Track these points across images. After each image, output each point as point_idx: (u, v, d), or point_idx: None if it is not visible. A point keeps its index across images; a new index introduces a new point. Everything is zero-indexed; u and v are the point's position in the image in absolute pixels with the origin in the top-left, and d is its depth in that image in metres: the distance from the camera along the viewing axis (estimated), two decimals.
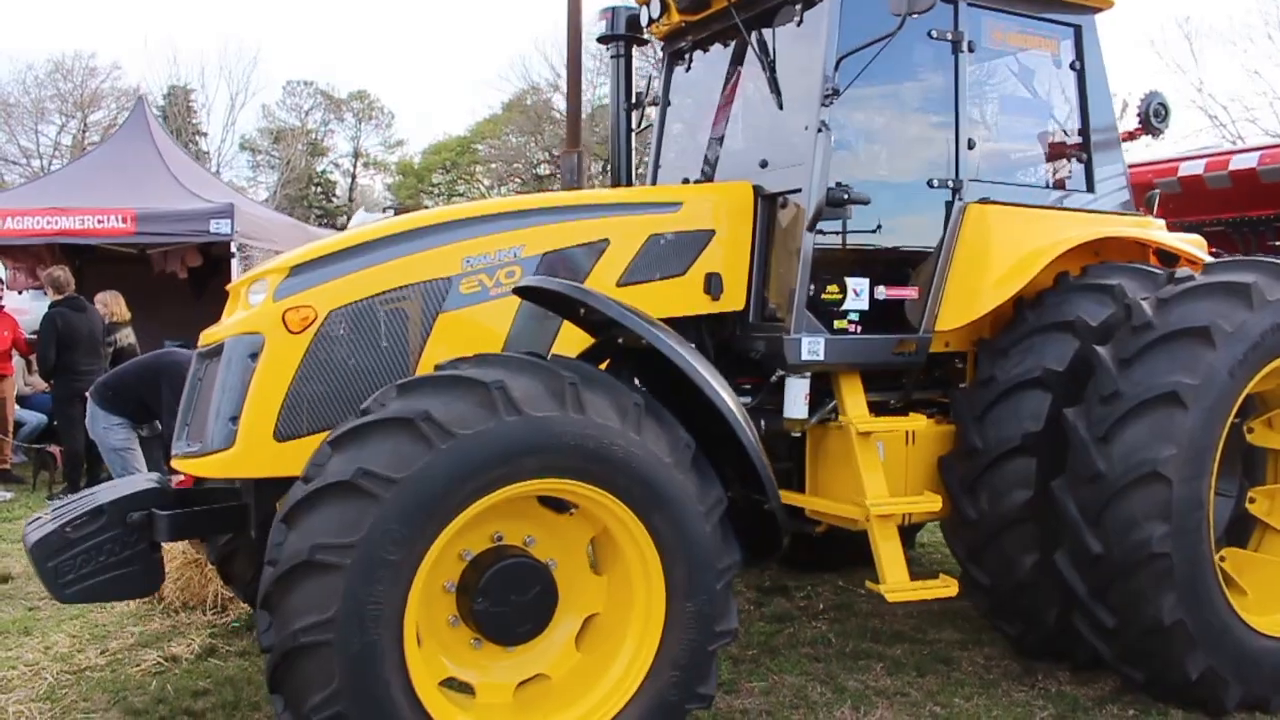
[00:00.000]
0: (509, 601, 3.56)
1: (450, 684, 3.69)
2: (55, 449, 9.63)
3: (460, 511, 3.31)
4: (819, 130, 4.57)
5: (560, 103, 43.92)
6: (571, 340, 4.44)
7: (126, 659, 5.06)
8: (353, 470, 3.19)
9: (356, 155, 53.75)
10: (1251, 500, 5.13)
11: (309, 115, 51.49)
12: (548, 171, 45.23)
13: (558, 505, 3.81)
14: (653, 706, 3.64)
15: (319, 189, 50.67)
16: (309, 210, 44.54)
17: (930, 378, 5.33)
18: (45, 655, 5.11)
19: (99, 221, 10.37)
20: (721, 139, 5.62)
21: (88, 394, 7.39)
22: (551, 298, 4.16)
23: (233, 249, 10.46)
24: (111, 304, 9.67)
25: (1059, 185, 5.46)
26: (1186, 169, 9.97)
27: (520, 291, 4.16)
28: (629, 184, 5.73)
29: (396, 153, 54.54)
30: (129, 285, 10.49)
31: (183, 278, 11.98)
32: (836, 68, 4.63)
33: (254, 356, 3.98)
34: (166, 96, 42.83)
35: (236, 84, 49.56)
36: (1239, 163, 9.77)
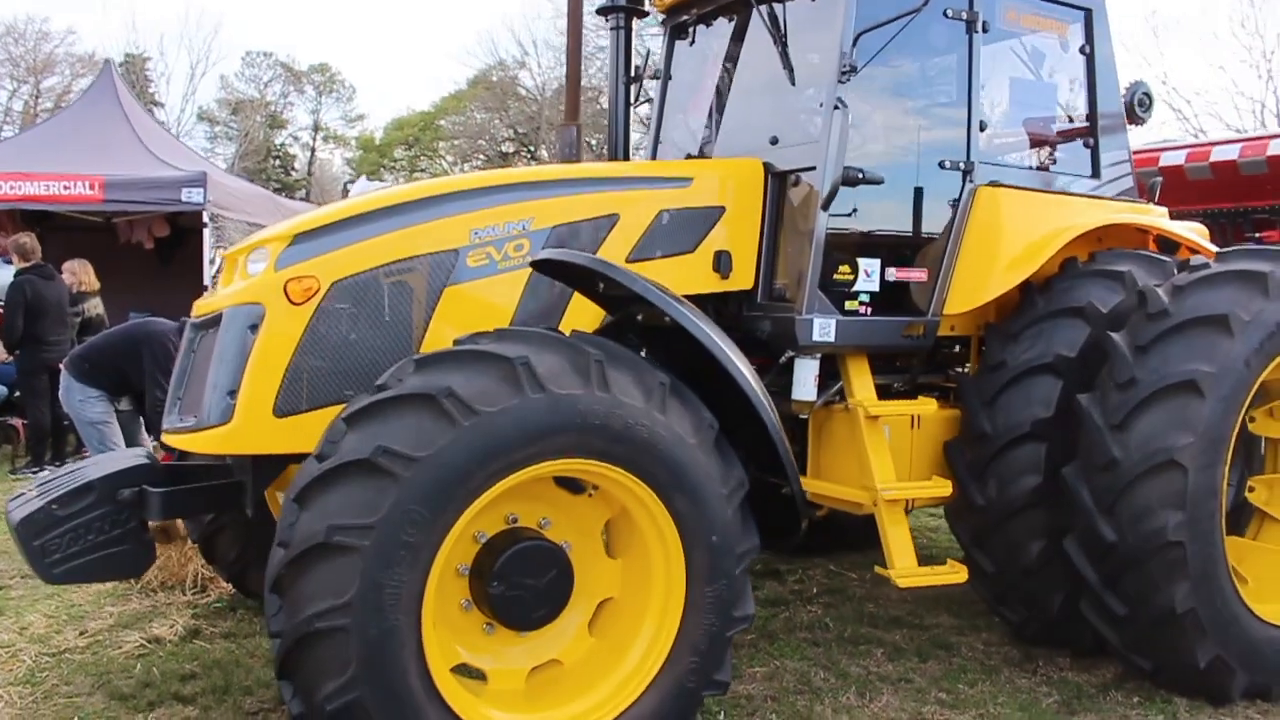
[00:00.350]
0: (525, 585, 3.45)
1: (460, 670, 3.56)
2: (18, 422, 9.31)
3: (482, 492, 3.18)
4: (835, 108, 4.47)
5: (527, 79, 43.59)
6: (579, 316, 4.32)
7: (107, 640, 4.87)
8: (371, 448, 3.05)
9: (316, 129, 52.99)
10: (1251, 489, 5.15)
11: (268, 87, 50.66)
12: (512, 149, 44.82)
13: (572, 486, 3.70)
14: (670, 693, 3.56)
15: (277, 162, 49.87)
16: (267, 183, 43.76)
17: (930, 361, 5.28)
18: (21, 636, 4.90)
19: (65, 188, 10.01)
20: (726, 115, 5.49)
21: (63, 366, 7.12)
22: (570, 271, 4.03)
23: (205, 219, 10.16)
24: (80, 273, 9.36)
25: (1066, 170, 5.41)
26: (1168, 159, 10.02)
27: (539, 265, 4.02)
28: (627, 160, 5.60)
29: (357, 127, 53.89)
30: (92, 254, 10.14)
31: (149, 248, 11.64)
32: (854, 44, 4.53)
33: (253, 328, 3.83)
34: (122, 64, 41.76)
35: (197, 53, 48.52)
36: (1220, 154, 9.86)
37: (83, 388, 6.81)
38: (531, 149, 43.62)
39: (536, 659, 3.66)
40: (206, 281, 10.05)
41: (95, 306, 9.51)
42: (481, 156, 45.58)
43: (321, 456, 3.16)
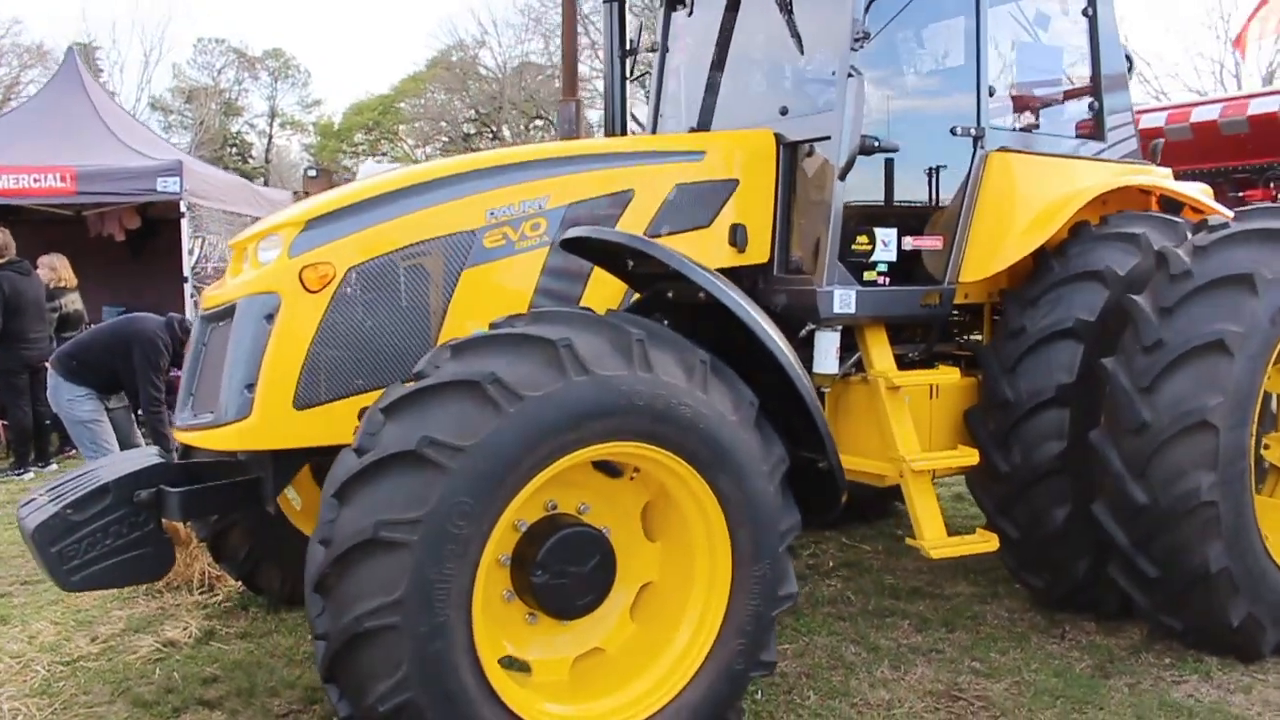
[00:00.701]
0: (568, 573, 3.36)
1: (503, 662, 3.48)
2: None
3: (530, 479, 3.08)
4: (849, 75, 4.39)
5: (488, 59, 43.10)
6: (599, 295, 4.23)
7: (121, 646, 4.72)
8: (416, 439, 2.93)
9: (273, 115, 52.12)
10: (1266, 447, 5.17)
11: (221, 74, 49.75)
12: (474, 130, 44.33)
13: (609, 470, 3.61)
14: (720, 677, 3.49)
15: (234, 149, 49.00)
16: (225, 171, 43.01)
17: (941, 330, 5.24)
18: (31, 645, 4.73)
19: (35, 180, 9.68)
20: (729, 86, 5.39)
21: (49, 365, 6.91)
22: (596, 249, 3.93)
23: (182, 208, 9.88)
24: (59, 268, 9.11)
25: (1072, 133, 5.38)
26: (1148, 121, 10.03)
27: (568, 244, 3.92)
28: (624, 134, 5.50)
29: (314, 112, 53.09)
30: (62, 248, 9.85)
31: (120, 240, 11.34)
32: (867, 10, 4.45)
33: (269, 318, 3.71)
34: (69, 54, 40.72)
35: (150, 40, 47.42)
36: (1200, 115, 9.88)
37: (71, 386, 6.63)
38: (494, 129, 43.17)
39: (580, 648, 3.57)
40: (186, 273, 9.84)
41: (73, 301, 9.27)
42: (443, 138, 45.04)
43: (361, 450, 3.04)
